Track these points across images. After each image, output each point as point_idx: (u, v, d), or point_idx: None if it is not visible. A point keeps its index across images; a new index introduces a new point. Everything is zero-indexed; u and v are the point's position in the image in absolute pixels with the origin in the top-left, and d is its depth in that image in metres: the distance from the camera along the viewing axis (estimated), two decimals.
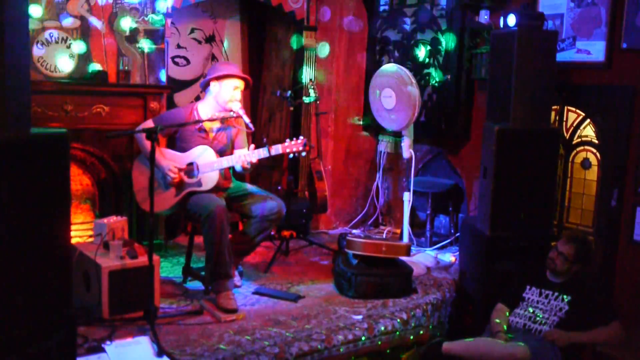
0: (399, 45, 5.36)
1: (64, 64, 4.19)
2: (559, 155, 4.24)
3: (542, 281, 3.48)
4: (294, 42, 5.43)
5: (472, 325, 3.90)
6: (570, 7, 4.21)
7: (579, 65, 4.16)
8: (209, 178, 3.72)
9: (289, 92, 4.82)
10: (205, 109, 3.88)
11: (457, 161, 5.14)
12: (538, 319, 3.35)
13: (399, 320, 3.66)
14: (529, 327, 3.34)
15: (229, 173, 3.98)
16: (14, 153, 2.28)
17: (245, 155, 3.66)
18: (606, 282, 3.98)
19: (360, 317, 3.60)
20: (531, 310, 3.40)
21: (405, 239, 4.72)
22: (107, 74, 4.31)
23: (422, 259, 4.65)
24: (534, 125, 3.86)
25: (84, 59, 4.26)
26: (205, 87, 3.91)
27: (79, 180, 4.47)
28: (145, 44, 4.47)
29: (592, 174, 4.29)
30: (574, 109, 4.35)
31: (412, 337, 3.74)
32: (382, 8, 5.51)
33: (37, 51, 4.07)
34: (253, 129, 3.81)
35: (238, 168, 3.81)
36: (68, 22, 4.20)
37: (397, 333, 3.64)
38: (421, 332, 3.79)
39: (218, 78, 3.83)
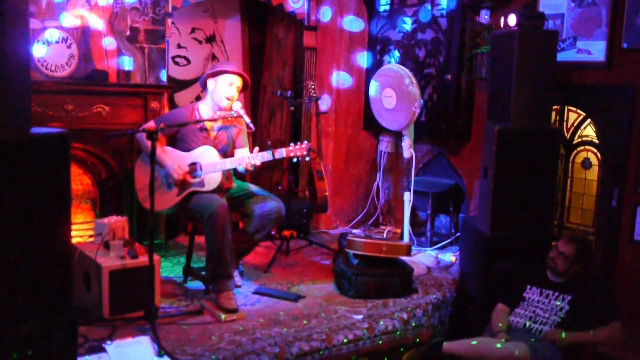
0: (400, 45, 5.37)
1: (64, 64, 4.19)
2: (560, 155, 4.24)
3: (543, 281, 3.48)
4: (294, 42, 5.43)
5: (473, 325, 3.90)
6: (571, 7, 4.21)
7: (580, 65, 4.16)
8: (212, 178, 3.72)
9: (289, 92, 4.82)
10: (206, 109, 3.89)
11: (458, 161, 5.14)
12: (538, 318, 3.35)
13: (399, 320, 3.66)
14: (529, 327, 3.34)
15: (230, 173, 3.98)
16: (14, 153, 2.28)
17: (249, 158, 3.66)
18: (606, 282, 3.98)
19: (360, 316, 3.60)
20: (532, 310, 3.40)
21: (406, 239, 4.71)
22: (107, 73, 4.31)
23: (422, 258, 4.65)
24: (534, 125, 3.85)
25: (84, 59, 4.26)
26: (204, 85, 3.91)
27: (79, 180, 4.47)
28: (146, 44, 4.47)
29: (593, 173, 4.29)
30: (574, 108, 4.35)
31: (412, 337, 3.73)
32: (382, 8, 5.51)
33: (37, 51, 4.07)
34: (253, 128, 3.81)
35: (241, 169, 3.81)
36: (68, 22, 4.20)
37: (398, 333, 3.64)
38: (421, 332, 3.79)
39: (214, 74, 3.84)
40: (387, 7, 5.47)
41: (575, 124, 4.38)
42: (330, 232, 5.52)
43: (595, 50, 4.06)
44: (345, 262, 4.06)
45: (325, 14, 5.43)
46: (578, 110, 4.33)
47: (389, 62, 5.34)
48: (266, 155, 3.68)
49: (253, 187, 3.97)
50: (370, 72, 5.43)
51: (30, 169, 2.34)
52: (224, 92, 3.81)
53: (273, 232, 4.55)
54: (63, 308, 2.53)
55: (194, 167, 3.74)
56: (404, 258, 4.12)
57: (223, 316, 3.42)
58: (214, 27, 5.53)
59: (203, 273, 3.83)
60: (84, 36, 4.24)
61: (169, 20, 4.58)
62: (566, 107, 4.36)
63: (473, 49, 4.75)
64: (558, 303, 3.35)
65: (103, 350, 2.95)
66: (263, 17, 5.69)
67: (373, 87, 4.83)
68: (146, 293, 3.22)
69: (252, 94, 5.67)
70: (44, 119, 3.99)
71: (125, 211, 4.33)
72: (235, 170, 3.92)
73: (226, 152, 3.87)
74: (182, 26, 5.33)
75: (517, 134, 3.83)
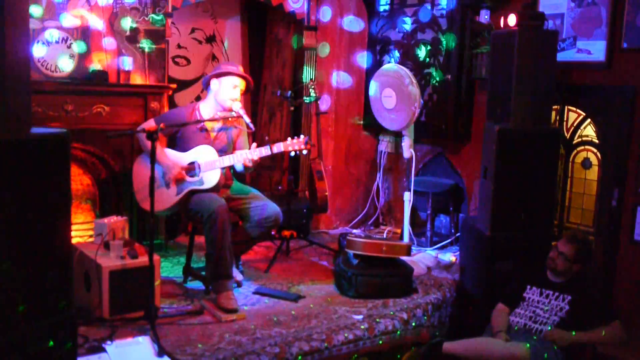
0: (400, 45, 5.36)
1: (64, 64, 4.19)
2: (560, 155, 4.24)
3: (543, 281, 3.48)
4: (294, 42, 5.43)
5: (473, 325, 3.90)
6: (571, 6, 4.21)
7: (580, 65, 4.16)
8: (211, 177, 3.72)
9: (290, 92, 4.82)
10: (207, 109, 3.89)
11: (458, 161, 5.14)
12: (538, 318, 3.35)
13: (399, 320, 3.66)
14: (529, 327, 3.34)
15: (230, 173, 3.98)
16: (14, 153, 2.28)
17: (248, 153, 3.67)
18: (606, 282, 3.98)
19: (360, 316, 3.60)
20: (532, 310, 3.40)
21: (406, 239, 4.72)
22: (107, 74, 4.31)
23: (422, 258, 4.65)
24: (534, 125, 3.85)
25: (84, 59, 4.26)
26: (207, 85, 3.92)
27: (79, 180, 4.47)
28: (146, 44, 4.47)
29: (593, 173, 4.29)
30: (574, 108, 4.35)
31: (412, 337, 3.73)
32: (382, 8, 5.51)
33: (37, 51, 4.07)
34: (253, 128, 3.82)
35: (239, 167, 3.81)
36: (68, 22, 4.20)
37: (398, 333, 3.64)
38: (421, 332, 3.79)
39: (218, 75, 3.85)
40: (387, 7, 5.47)
41: (575, 124, 4.38)
42: (330, 232, 5.52)
43: (595, 50, 4.06)
44: (345, 262, 4.06)
45: (325, 14, 5.43)
46: (578, 110, 4.33)
47: (389, 62, 5.34)
48: (264, 150, 3.69)
49: (252, 191, 3.97)
50: (370, 72, 5.43)
51: (30, 169, 2.34)
52: (228, 94, 3.82)
53: (273, 232, 4.55)
54: (62, 308, 2.53)
55: (192, 166, 3.75)
56: (404, 258, 4.12)
57: (223, 316, 3.42)
58: (214, 27, 5.53)
59: (203, 273, 3.83)
60: (84, 36, 4.24)
61: (169, 20, 4.58)
62: (566, 107, 4.36)
63: (473, 48, 4.75)
64: (558, 303, 3.35)
65: (103, 350, 2.96)
66: (263, 17, 5.69)
67: (373, 87, 4.83)
68: (146, 293, 3.22)
69: (252, 94, 5.66)
70: (44, 119, 3.99)
71: (125, 211, 4.32)
72: (234, 170, 3.93)
73: (225, 152, 3.86)
74: (182, 26, 5.33)
75: (517, 134, 3.83)
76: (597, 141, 4.23)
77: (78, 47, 4.23)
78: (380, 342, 3.56)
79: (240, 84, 3.87)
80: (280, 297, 3.83)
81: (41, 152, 2.39)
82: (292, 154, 3.78)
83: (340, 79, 5.57)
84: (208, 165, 3.72)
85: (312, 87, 5.09)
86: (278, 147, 3.70)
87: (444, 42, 4.98)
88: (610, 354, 3.53)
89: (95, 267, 3.31)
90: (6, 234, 2.27)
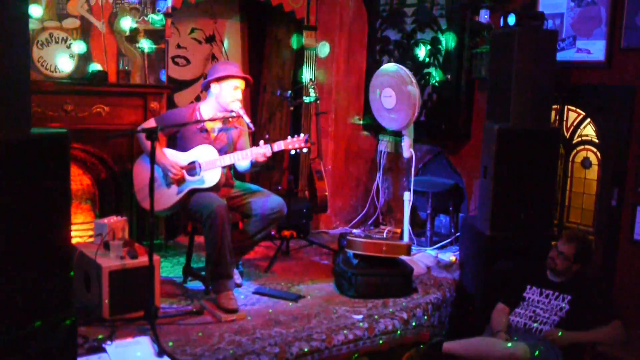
0: (399, 45, 5.36)
1: (64, 64, 4.19)
2: (559, 154, 4.24)
3: (543, 281, 3.48)
4: (294, 42, 5.43)
5: (473, 325, 3.90)
6: (570, 6, 4.21)
7: (579, 64, 4.16)
8: (212, 175, 3.73)
9: (289, 92, 4.82)
10: (207, 110, 3.89)
11: (457, 161, 5.13)
12: (538, 318, 3.35)
13: (399, 320, 3.66)
14: (529, 327, 3.34)
15: (230, 173, 3.98)
16: (14, 153, 2.28)
17: (260, 149, 3.68)
18: (606, 281, 3.98)
19: (360, 316, 3.60)
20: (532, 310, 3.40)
21: (406, 239, 4.72)
22: (107, 74, 4.31)
23: (422, 258, 4.65)
24: (534, 124, 3.86)
25: (84, 59, 4.26)
26: (206, 88, 3.92)
27: (79, 180, 4.47)
28: (146, 44, 4.46)
29: (593, 173, 4.29)
30: (574, 108, 4.35)
31: (412, 337, 3.73)
32: (382, 8, 5.51)
33: (37, 51, 4.07)
34: (253, 128, 3.82)
35: (240, 167, 3.81)
36: (68, 22, 4.20)
37: (398, 332, 3.64)
38: (421, 332, 3.79)
39: (218, 80, 3.84)
40: (387, 7, 5.47)
41: (575, 124, 4.38)
42: (330, 232, 5.52)
43: (594, 49, 4.06)
44: (345, 262, 4.06)
45: (325, 13, 5.42)
46: (578, 110, 4.33)
47: (389, 62, 5.34)
48: (276, 147, 3.69)
49: (253, 187, 3.98)
50: (369, 72, 5.43)
51: (30, 169, 2.34)
52: (230, 96, 3.82)
53: (273, 232, 4.55)
54: (63, 308, 2.53)
55: (192, 166, 3.75)
56: (404, 258, 4.12)
57: (223, 316, 3.42)
58: (214, 27, 5.53)
59: (203, 273, 3.83)
60: (83, 36, 4.24)
61: (169, 20, 4.58)
62: (566, 107, 4.36)
63: (473, 48, 4.75)
64: (558, 303, 3.35)
65: (103, 350, 2.96)
66: (262, 17, 5.68)
67: (372, 86, 4.83)
68: (146, 293, 3.22)
69: (252, 94, 5.66)
70: (44, 119, 3.99)
71: (125, 211, 4.33)
72: (235, 170, 3.93)
73: (225, 152, 3.86)
74: (182, 26, 5.33)
75: (517, 134, 3.83)
76: (596, 141, 4.23)
77: (78, 47, 4.23)
78: (380, 341, 3.56)
79: (241, 84, 3.87)
80: (280, 297, 3.83)
81: (41, 152, 2.39)
82: (293, 152, 3.79)
83: (339, 78, 5.57)
84: (209, 164, 3.72)
85: (312, 87, 5.09)
86: (278, 146, 3.71)
87: (444, 42, 4.98)
88: (611, 354, 3.52)
89: (95, 267, 3.31)
90: (6, 234, 2.27)
